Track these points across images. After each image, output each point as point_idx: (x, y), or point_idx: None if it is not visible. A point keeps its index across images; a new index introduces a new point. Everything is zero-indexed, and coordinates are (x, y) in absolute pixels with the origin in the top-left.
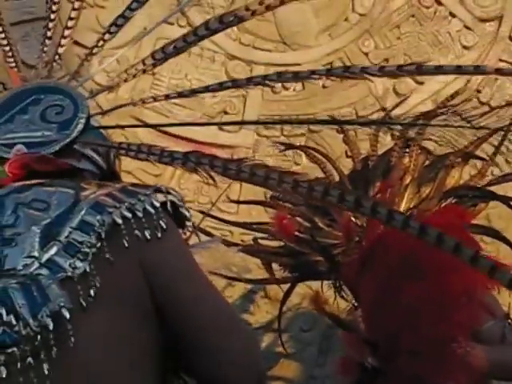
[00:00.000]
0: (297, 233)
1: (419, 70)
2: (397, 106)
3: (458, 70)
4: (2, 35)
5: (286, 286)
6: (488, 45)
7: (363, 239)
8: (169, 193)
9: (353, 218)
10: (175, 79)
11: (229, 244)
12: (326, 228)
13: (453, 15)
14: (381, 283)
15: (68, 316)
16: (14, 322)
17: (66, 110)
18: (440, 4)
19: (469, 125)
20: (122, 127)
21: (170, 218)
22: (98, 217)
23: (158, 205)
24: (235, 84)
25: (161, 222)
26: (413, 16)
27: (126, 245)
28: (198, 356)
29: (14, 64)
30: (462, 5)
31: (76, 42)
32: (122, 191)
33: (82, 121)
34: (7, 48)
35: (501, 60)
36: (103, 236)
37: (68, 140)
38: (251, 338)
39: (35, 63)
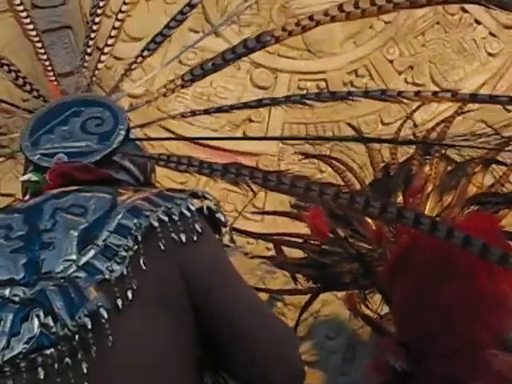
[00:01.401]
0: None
1: (454, 97)
2: (417, 109)
3: (492, 100)
4: (42, 50)
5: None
6: None
7: (386, 249)
8: (205, 197)
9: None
10: (200, 87)
11: (253, 256)
12: (348, 238)
13: (478, 22)
14: (414, 285)
15: (106, 315)
16: (51, 323)
17: (107, 122)
18: (465, 11)
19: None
20: (158, 140)
21: (205, 222)
22: (135, 220)
23: (193, 208)
24: (274, 101)
25: (196, 225)
26: (438, 23)
27: (163, 248)
28: (233, 351)
29: (53, 78)
30: (487, 12)
31: (100, 49)
32: (158, 196)
33: (123, 132)
34: (47, 63)
35: None
36: (140, 239)
37: (108, 150)
38: (287, 333)
39: (61, 71)
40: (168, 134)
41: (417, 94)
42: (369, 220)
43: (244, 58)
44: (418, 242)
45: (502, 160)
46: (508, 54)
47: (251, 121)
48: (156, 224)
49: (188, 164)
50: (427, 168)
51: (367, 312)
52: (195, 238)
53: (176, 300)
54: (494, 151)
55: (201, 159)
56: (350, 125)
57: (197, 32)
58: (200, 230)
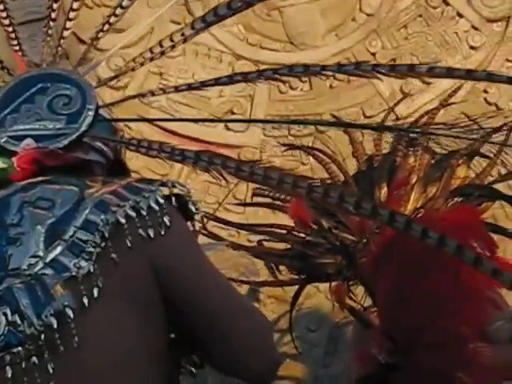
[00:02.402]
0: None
1: (430, 72)
2: (399, 102)
3: (469, 76)
4: (4, 14)
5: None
6: (495, 45)
7: (370, 241)
8: (174, 186)
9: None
10: (182, 79)
11: (236, 247)
12: (332, 230)
13: (460, 15)
14: (399, 277)
15: (72, 315)
16: (18, 321)
17: (74, 101)
18: (447, 4)
19: (476, 128)
20: (128, 121)
21: (175, 211)
22: (102, 216)
23: (162, 201)
24: (245, 78)
25: (165, 218)
26: (420, 16)
27: (129, 245)
28: (212, 343)
29: (17, 47)
30: (470, 5)
31: (83, 42)
32: (126, 188)
33: (91, 113)
34: (10, 29)
35: (508, 60)
36: (107, 235)
37: (77, 134)
38: (264, 324)
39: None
40: (147, 125)
41: (392, 69)
42: None
43: (226, 50)
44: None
45: (485, 153)
46: (490, 47)
47: (233, 113)
48: (123, 221)
49: (159, 150)
50: (411, 159)
51: (351, 304)
52: (163, 232)
53: (144, 295)
54: (478, 143)
55: (172, 145)
56: (334, 116)
57: (178, 24)
58: (168, 224)
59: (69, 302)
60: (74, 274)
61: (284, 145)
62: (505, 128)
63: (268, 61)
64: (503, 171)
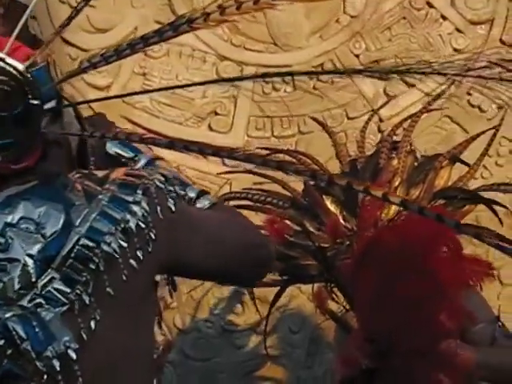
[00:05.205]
0: (287, 236)
1: None
2: (383, 105)
3: None
4: None
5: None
6: (479, 48)
7: (353, 243)
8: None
9: (342, 222)
10: (166, 79)
11: None
12: (315, 231)
13: (444, 18)
14: (377, 280)
15: (75, 357)
16: (16, 356)
17: (14, 95)
18: (431, 6)
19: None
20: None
21: (160, 215)
22: (95, 245)
23: (147, 214)
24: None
25: (151, 233)
26: (404, 18)
27: (125, 278)
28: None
29: None
30: (454, 7)
31: (67, 42)
32: (113, 202)
33: (37, 110)
34: None
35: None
36: (102, 268)
37: (27, 141)
38: (243, 244)
39: None
40: (131, 126)
41: None
42: (334, 213)
43: (210, 51)
44: (379, 237)
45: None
46: (474, 49)
47: (217, 114)
48: (117, 256)
49: (127, 138)
50: (395, 162)
51: (333, 305)
52: (150, 249)
53: (142, 312)
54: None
55: (141, 135)
56: (314, 119)
57: (162, 24)
58: (154, 237)
59: (70, 342)
60: (69, 306)
61: (267, 149)
62: None
63: (252, 62)
64: (485, 174)
